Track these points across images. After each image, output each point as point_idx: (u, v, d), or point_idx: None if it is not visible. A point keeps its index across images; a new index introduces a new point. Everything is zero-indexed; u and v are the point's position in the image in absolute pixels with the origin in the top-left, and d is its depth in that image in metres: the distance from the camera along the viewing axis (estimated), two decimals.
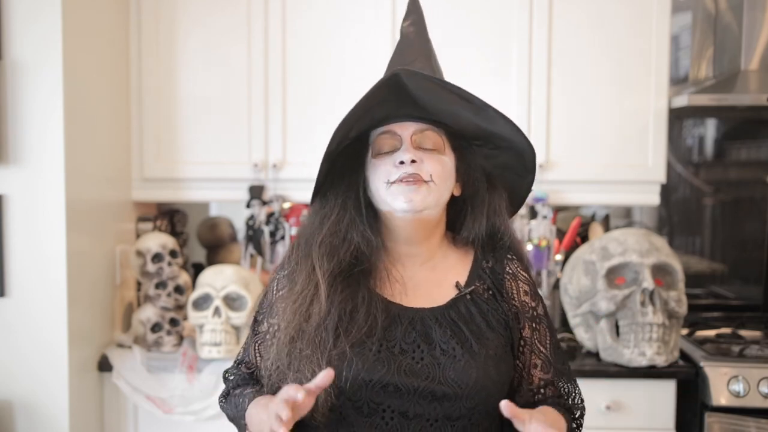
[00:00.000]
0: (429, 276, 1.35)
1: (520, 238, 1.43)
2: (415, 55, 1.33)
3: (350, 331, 1.24)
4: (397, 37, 2.71)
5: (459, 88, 1.25)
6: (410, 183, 1.26)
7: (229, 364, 2.37)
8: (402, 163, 1.26)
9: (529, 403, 1.33)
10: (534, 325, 1.34)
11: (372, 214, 1.34)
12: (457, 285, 1.33)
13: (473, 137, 1.34)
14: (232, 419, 1.39)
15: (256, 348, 1.38)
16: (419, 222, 1.31)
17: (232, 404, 1.38)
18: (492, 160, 1.36)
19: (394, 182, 1.27)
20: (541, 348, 1.34)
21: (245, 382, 1.40)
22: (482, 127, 1.30)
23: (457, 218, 1.39)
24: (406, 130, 1.30)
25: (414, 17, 1.38)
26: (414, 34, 1.37)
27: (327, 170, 1.32)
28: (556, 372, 1.35)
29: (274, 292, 1.36)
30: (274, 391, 1.30)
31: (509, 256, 1.38)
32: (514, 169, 1.36)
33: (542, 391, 1.34)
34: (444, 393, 1.23)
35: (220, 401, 1.44)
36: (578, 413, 1.37)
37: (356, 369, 1.23)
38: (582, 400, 1.38)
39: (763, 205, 3.08)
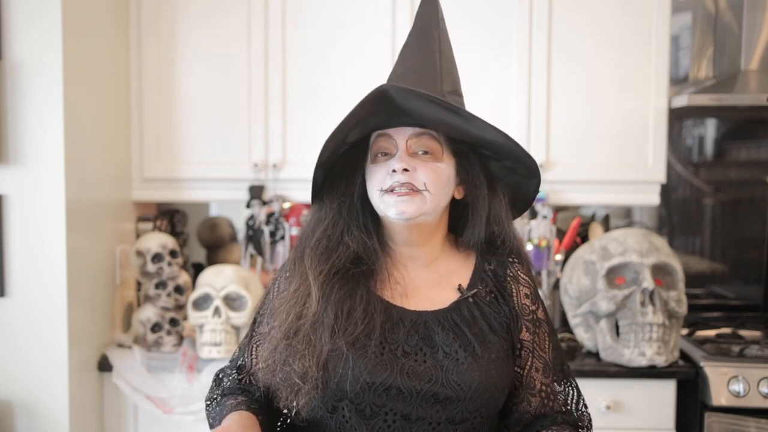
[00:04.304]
0: (431, 278, 1.35)
1: (521, 240, 1.42)
2: (427, 51, 1.31)
3: (347, 329, 1.24)
4: (397, 37, 2.72)
5: (446, 102, 1.23)
6: (402, 194, 1.26)
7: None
8: (395, 171, 1.26)
9: (528, 413, 1.32)
10: (534, 328, 1.34)
11: (371, 217, 1.34)
12: (460, 288, 1.33)
13: (471, 144, 1.33)
14: (210, 426, 1.36)
15: (253, 350, 1.37)
16: (415, 227, 1.31)
17: (215, 411, 1.35)
18: (497, 162, 1.35)
19: (386, 191, 1.27)
20: (540, 352, 1.33)
21: (233, 391, 1.37)
22: (476, 135, 1.29)
23: (459, 221, 1.38)
24: (403, 134, 1.29)
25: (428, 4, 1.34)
26: (423, 22, 1.33)
27: (323, 176, 1.32)
28: (556, 377, 1.34)
29: (275, 294, 1.36)
30: (266, 390, 1.31)
31: (511, 258, 1.37)
32: (518, 171, 1.36)
33: (547, 402, 1.32)
34: (447, 396, 1.23)
35: (207, 404, 1.41)
36: (585, 426, 1.35)
37: (358, 371, 1.23)
38: (586, 406, 1.37)
39: (763, 205, 3.09)
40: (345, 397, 1.24)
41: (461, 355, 1.25)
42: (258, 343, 1.36)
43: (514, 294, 1.35)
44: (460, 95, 1.34)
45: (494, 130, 1.27)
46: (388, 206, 1.27)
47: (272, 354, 1.26)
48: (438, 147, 1.30)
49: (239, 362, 1.41)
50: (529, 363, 1.33)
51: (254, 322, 1.40)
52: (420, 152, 1.29)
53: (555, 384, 1.33)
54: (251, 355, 1.38)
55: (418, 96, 1.22)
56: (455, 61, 1.36)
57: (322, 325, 1.25)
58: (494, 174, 1.36)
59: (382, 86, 1.22)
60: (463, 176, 1.34)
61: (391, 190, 1.26)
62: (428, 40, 1.32)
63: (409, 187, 1.26)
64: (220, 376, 1.43)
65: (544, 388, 1.33)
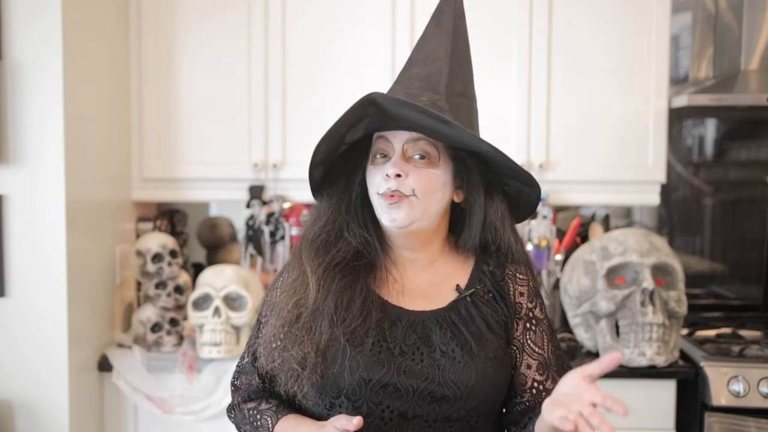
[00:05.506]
0: (430, 279, 1.35)
1: (522, 241, 1.41)
2: (436, 53, 1.30)
3: (345, 320, 1.25)
4: (398, 37, 2.72)
5: (433, 113, 1.21)
6: (392, 201, 1.26)
7: (229, 364, 2.40)
8: (388, 176, 1.27)
9: (523, 405, 1.32)
10: (528, 325, 1.34)
11: (370, 215, 1.35)
12: (458, 287, 1.33)
13: (470, 152, 1.32)
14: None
15: (258, 351, 1.37)
16: (412, 233, 1.32)
17: (248, 419, 1.37)
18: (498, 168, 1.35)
19: (382, 194, 1.28)
20: (536, 348, 1.33)
21: (258, 395, 1.39)
22: (467, 144, 1.27)
23: (457, 223, 1.38)
24: (399, 138, 1.29)
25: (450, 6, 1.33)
26: (437, 20, 1.33)
27: (324, 173, 1.32)
28: (555, 375, 1.34)
29: (278, 294, 1.36)
30: (269, 380, 1.33)
31: (510, 260, 1.37)
32: (519, 179, 1.35)
33: (538, 398, 1.32)
34: (443, 394, 1.23)
35: (229, 412, 1.43)
36: None
37: (355, 364, 1.23)
38: None
39: (763, 205, 3.08)
40: (342, 394, 1.24)
41: (458, 354, 1.26)
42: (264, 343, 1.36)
43: (511, 292, 1.35)
44: (468, 97, 1.32)
45: (486, 145, 1.25)
46: (382, 213, 1.29)
47: (273, 340, 1.28)
48: (435, 152, 1.29)
49: (250, 365, 1.40)
50: (521, 361, 1.33)
51: (258, 323, 1.40)
52: (416, 156, 1.28)
53: (550, 381, 1.33)
54: (261, 356, 1.36)
55: (405, 105, 1.21)
56: (469, 60, 1.35)
57: (321, 314, 1.26)
58: (495, 179, 1.34)
59: (369, 95, 1.22)
60: (460, 182, 1.33)
61: (384, 196, 1.27)
62: (439, 39, 1.31)
63: (396, 193, 1.26)
64: (236, 383, 1.42)
65: (536, 384, 1.32)
